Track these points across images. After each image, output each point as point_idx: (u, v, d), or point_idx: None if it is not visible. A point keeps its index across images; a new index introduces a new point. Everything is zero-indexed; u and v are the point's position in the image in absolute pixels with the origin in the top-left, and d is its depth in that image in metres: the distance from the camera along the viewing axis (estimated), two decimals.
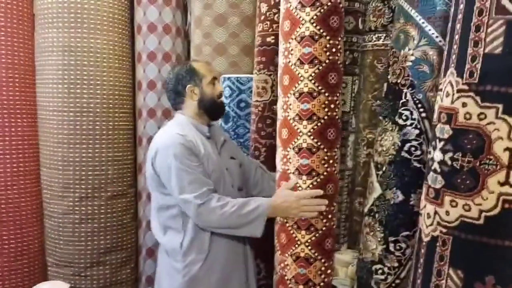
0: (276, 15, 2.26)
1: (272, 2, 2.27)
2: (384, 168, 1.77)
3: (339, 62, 1.69)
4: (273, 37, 2.28)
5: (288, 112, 1.73)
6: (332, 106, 1.69)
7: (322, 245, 1.75)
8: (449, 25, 1.26)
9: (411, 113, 1.70)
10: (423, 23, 1.68)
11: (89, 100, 2.79)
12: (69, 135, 2.80)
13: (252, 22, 2.88)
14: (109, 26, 2.83)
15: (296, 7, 1.65)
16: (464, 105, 1.15)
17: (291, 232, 1.77)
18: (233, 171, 2.01)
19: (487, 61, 1.07)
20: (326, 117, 1.68)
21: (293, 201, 1.72)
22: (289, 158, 1.74)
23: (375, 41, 2.57)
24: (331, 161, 1.72)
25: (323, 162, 1.70)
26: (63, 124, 2.80)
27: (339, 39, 1.68)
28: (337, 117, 1.72)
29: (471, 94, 1.12)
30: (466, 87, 1.14)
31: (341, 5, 1.67)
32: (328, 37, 1.64)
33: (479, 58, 1.09)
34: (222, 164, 1.97)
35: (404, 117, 1.72)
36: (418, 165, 1.70)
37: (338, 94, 1.71)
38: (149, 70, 3.01)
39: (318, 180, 1.71)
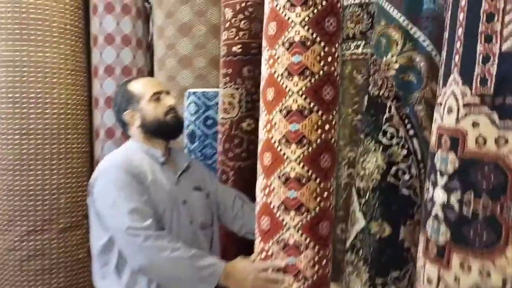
0: (243, 21, 2.02)
1: (238, 7, 2.03)
2: (367, 196, 1.51)
3: (335, 73, 1.40)
4: (239, 46, 2.04)
5: (272, 133, 1.43)
6: (327, 127, 1.39)
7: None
8: (448, 14, 0.99)
9: (397, 131, 1.44)
10: (407, 25, 1.44)
11: (37, 120, 2.54)
12: (15, 160, 2.53)
13: (219, 32, 2.66)
14: (59, 38, 2.58)
15: (284, 6, 1.36)
16: (475, 125, 0.85)
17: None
18: (194, 205, 1.71)
19: (505, 62, 0.79)
20: (319, 141, 1.38)
21: (250, 272, 1.45)
22: (273, 189, 1.42)
23: (353, 49, 2.32)
24: (325, 194, 1.41)
25: (315, 195, 1.40)
26: (8, 148, 2.53)
27: (336, 46, 1.39)
28: (332, 140, 1.43)
29: (485, 109, 0.84)
30: (477, 100, 0.85)
31: (338, 5, 1.39)
32: (322, 44, 1.35)
33: (493, 58, 0.80)
34: (179, 195, 1.67)
35: (389, 135, 1.46)
36: (407, 192, 1.44)
37: (334, 113, 1.41)
38: (106, 85, 2.78)
39: (309, 217, 1.39)
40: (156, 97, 1.68)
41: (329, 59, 1.37)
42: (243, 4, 2.03)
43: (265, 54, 1.46)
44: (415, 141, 1.42)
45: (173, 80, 2.65)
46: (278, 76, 1.40)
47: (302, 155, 1.38)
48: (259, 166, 1.51)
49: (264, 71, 1.47)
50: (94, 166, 2.81)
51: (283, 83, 1.38)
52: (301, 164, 1.38)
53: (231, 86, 2.08)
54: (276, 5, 1.38)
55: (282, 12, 1.37)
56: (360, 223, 1.52)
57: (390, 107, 1.46)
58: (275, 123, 1.41)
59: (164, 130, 1.68)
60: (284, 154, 1.40)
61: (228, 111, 2.10)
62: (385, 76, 1.48)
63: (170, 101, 1.70)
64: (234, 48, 2.06)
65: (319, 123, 1.37)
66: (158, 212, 1.59)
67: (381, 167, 1.47)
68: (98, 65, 2.80)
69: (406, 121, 1.43)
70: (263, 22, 1.48)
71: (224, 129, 2.11)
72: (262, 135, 1.47)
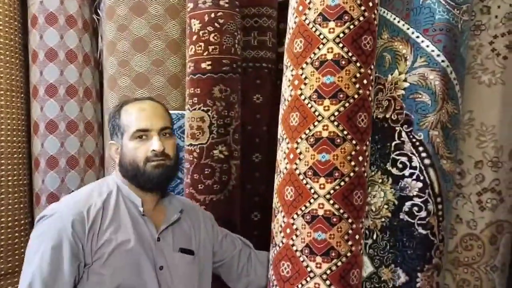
0: (213, 34, 1.78)
1: (206, 18, 1.79)
2: (375, 236, 1.29)
3: (370, 98, 1.22)
4: (209, 62, 1.79)
5: (296, 165, 1.21)
6: (361, 158, 1.19)
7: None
8: None
9: (410, 159, 1.25)
10: (417, 37, 1.25)
11: None
12: None
13: (180, 47, 2.41)
14: None
15: (314, 21, 1.18)
16: None
17: None
18: (173, 272, 1.35)
19: None
20: (352, 174, 1.17)
21: None
22: (296, 229, 1.21)
23: None
24: (356, 237, 1.19)
25: (346, 238, 1.17)
26: None
27: (372, 67, 1.21)
28: (365, 174, 1.22)
29: None
30: None
31: (375, 22, 1.21)
32: (358, 64, 1.17)
33: None
34: (156, 258, 1.33)
35: (400, 165, 1.27)
36: (424, 232, 1.23)
37: (367, 143, 1.21)
38: (48, 108, 2.40)
39: (339, 264, 1.17)
40: (140, 135, 1.33)
41: (365, 81, 1.18)
42: (212, 15, 1.79)
43: (288, 74, 1.27)
44: (431, 171, 1.23)
45: None
46: (305, 98, 1.20)
47: (332, 190, 1.17)
48: (277, 201, 1.29)
49: (287, 93, 1.27)
50: (34, 202, 2.44)
51: (311, 107, 1.19)
52: (331, 201, 1.17)
53: (200, 108, 1.82)
54: (305, 19, 1.20)
55: (312, 27, 1.19)
56: (367, 268, 1.29)
57: (400, 132, 1.27)
58: (300, 153, 1.21)
59: (140, 181, 1.33)
60: (311, 188, 1.19)
61: (197, 136, 1.82)
62: (392, 96, 1.28)
63: (155, 145, 1.31)
64: (203, 65, 1.80)
65: (353, 153, 1.18)
66: (114, 282, 1.25)
67: (391, 203, 1.27)
68: (38, 84, 2.43)
69: (421, 148, 1.24)
70: (286, 38, 1.29)
71: (192, 158, 1.83)
72: (282, 166, 1.26)
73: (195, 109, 1.83)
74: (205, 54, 1.80)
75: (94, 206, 1.29)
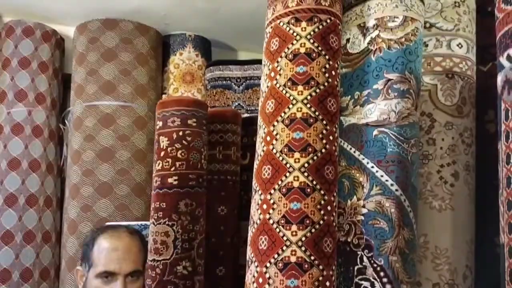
0: (180, 151, 1.84)
1: (175, 136, 1.86)
2: None
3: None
4: (176, 177, 1.83)
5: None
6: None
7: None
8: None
9: (372, 285, 1.29)
10: (372, 167, 1.36)
11: None
12: None
13: (144, 157, 2.48)
14: None
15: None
16: None
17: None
18: None
19: None
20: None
21: None
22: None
23: None
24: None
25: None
26: None
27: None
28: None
29: None
30: None
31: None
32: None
33: None
34: None
35: None
36: None
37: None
38: (6, 218, 2.31)
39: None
40: (105, 276, 1.34)
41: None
42: (180, 133, 1.87)
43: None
44: None
45: (89, 210, 2.33)
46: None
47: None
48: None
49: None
50: None
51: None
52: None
53: (164, 222, 1.82)
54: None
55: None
56: None
57: (362, 257, 1.31)
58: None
59: None
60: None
61: (161, 251, 1.80)
62: (352, 221, 1.35)
63: None
64: (170, 180, 1.84)
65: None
66: None
67: None
68: None
69: (382, 274, 1.28)
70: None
71: (155, 274, 1.78)
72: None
73: (160, 223, 1.83)
74: (172, 169, 1.85)
75: None
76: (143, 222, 2.11)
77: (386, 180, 1.33)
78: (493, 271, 1.56)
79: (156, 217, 1.86)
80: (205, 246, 1.93)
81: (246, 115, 2.43)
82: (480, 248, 1.54)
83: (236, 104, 2.66)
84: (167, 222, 1.83)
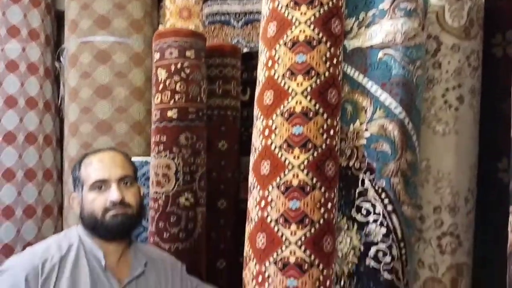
0: (179, 83, 1.81)
1: (173, 68, 1.82)
2: (342, 282, 1.31)
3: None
4: (175, 110, 1.81)
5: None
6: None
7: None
8: None
9: (374, 206, 1.30)
10: (376, 90, 1.33)
11: None
12: None
13: (143, 95, 2.44)
14: None
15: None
16: None
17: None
18: None
19: None
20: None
21: None
22: (268, 277, 1.22)
23: None
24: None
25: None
26: None
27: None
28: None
29: None
30: None
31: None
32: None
33: None
34: None
35: (364, 211, 1.31)
36: (390, 277, 1.27)
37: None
38: (6, 155, 2.31)
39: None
40: (98, 185, 1.32)
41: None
42: (178, 65, 1.83)
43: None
44: (394, 217, 1.29)
45: (89, 147, 2.31)
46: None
47: (304, 237, 1.21)
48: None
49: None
50: None
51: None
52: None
53: (165, 155, 1.82)
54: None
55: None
56: None
57: (363, 180, 1.32)
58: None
59: (100, 232, 1.31)
60: (282, 235, 1.22)
61: (163, 184, 1.82)
62: (355, 145, 1.35)
63: (113, 195, 1.30)
64: (169, 113, 1.82)
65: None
66: None
67: (357, 248, 1.30)
68: None
69: (383, 195, 1.29)
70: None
71: (158, 206, 1.81)
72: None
73: (160, 157, 1.83)
74: (171, 102, 1.83)
75: (50, 260, 1.25)
76: (144, 158, 2.12)
77: (390, 103, 1.32)
78: (494, 196, 1.58)
79: (156, 151, 1.86)
80: (206, 180, 1.94)
81: (245, 50, 2.38)
82: (483, 172, 1.54)
83: (235, 40, 2.58)
84: (168, 155, 1.82)
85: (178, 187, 1.81)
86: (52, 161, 2.47)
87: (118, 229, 1.32)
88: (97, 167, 1.35)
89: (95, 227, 1.30)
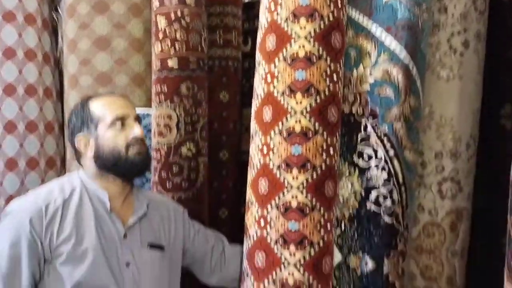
0: (179, 32, 1.77)
1: (173, 16, 1.78)
2: (343, 226, 1.34)
3: (339, 94, 1.28)
4: (175, 60, 1.79)
5: (269, 157, 1.25)
6: (332, 151, 1.24)
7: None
8: None
9: (375, 151, 1.31)
10: (380, 34, 1.31)
11: None
12: None
13: (142, 47, 2.38)
14: None
15: (286, 18, 1.22)
16: None
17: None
18: (142, 269, 1.33)
19: None
20: (324, 166, 1.23)
21: None
22: (270, 220, 1.24)
23: None
24: (328, 226, 1.24)
25: (318, 227, 1.23)
26: None
27: (341, 63, 1.27)
28: (336, 167, 1.28)
29: None
30: None
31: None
32: (328, 60, 1.22)
33: None
34: (123, 254, 1.32)
35: (366, 157, 1.32)
36: (390, 220, 1.29)
37: (337, 137, 1.27)
38: (7, 107, 2.30)
39: (312, 253, 1.21)
40: (120, 122, 1.32)
41: (335, 77, 1.24)
42: (178, 13, 1.79)
43: (260, 70, 1.31)
44: (395, 162, 1.29)
45: None
46: (277, 93, 1.24)
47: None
48: (251, 195, 1.31)
49: (259, 89, 1.31)
50: None
51: (283, 102, 1.23)
52: (304, 193, 1.22)
53: (167, 105, 1.81)
54: (276, 17, 1.25)
55: (284, 24, 1.24)
56: (336, 257, 1.34)
57: (365, 126, 1.32)
58: (273, 147, 1.25)
59: (122, 168, 1.33)
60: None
61: (164, 134, 1.82)
62: (358, 91, 1.33)
63: (136, 131, 1.34)
64: (170, 63, 1.80)
65: (324, 146, 1.23)
66: (79, 281, 1.25)
67: (358, 193, 1.31)
68: None
69: (386, 140, 1.29)
70: (258, 36, 1.34)
71: (160, 156, 1.82)
72: (255, 160, 1.30)
73: (162, 107, 1.82)
74: (171, 51, 1.80)
75: (53, 202, 1.28)
76: (146, 110, 2.11)
77: (395, 47, 1.30)
78: (496, 141, 1.59)
79: (158, 101, 1.85)
80: (208, 131, 1.94)
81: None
82: (485, 118, 1.54)
83: None
84: (169, 105, 1.81)
85: (180, 137, 1.81)
86: (53, 114, 2.46)
87: (141, 165, 1.36)
88: (115, 105, 1.36)
89: (116, 163, 1.32)
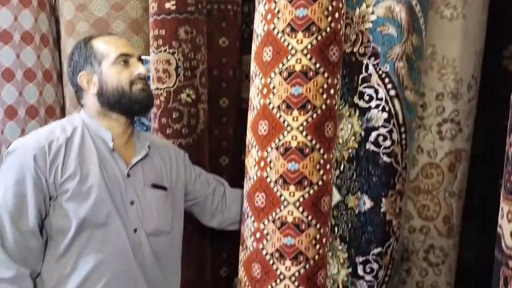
0: None
1: None
2: (342, 167, 1.35)
3: (336, 108, 1.26)
4: (173, 2, 1.74)
5: (269, 99, 1.26)
6: (332, 92, 1.24)
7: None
8: None
9: (376, 91, 1.29)
10: None
11: None
12: None
13: None
14: None
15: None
16: None
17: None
18: (145, 207, 1.36)
19: None
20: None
21: None
22: (269, 162, 1.26)
23: None
24: (327, 167, 1.26)
25: (318, 167, 1.24)
26: None
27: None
28: (336, 109, 1.28)
29: None
30: None
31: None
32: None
33: None
34: (126, 193, 1.33)
35: (366, 97, 1.31)
36: (389, 160, 1.29)
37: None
38: (6, 93, 2.30)
39: (311, 192, 1.23)
40: (124, 59, 1.32)
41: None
42: None
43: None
44: (396, 102, 1.28)
45: None
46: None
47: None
48: (251, 137, 1.33)
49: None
50: None
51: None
52: (304, 133, 1.23)
53: (165, 50, 1.78)
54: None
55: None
56: (335, 197, 1.36)
57: (367, 66, 1.30)
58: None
59: (125, 105, 1.33)
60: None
61: (163, 80, 1.79)
62: (360, 30, 1.31)
63: (140, 68, 1.33)
64: (167, 5, 1.75)
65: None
66: (86, 218, 1.27)
67: (358, 134, 1.31)
68: None
69: (387, 80, 1.28)
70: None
71: (160, 102, 1.81)
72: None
73: (160, 51, 1.79)
74: None
75: (56, 141, 1.28)
76: (144, 57, 2.08)
77: None
78: (498, 82, 1.57)
79: (156, 45, 1.81)
80: (208, 78, 1.92)
81: None
82: (487, 59, 1.52)
83: None
84: (167, 50, 1.78)
85: (179, 82, 1.79)
86: (50, 62, 2.43)
87: (146, 101, 1.37)
88: (119, 43, 1.37)
89: (120, 100, 1.32)
